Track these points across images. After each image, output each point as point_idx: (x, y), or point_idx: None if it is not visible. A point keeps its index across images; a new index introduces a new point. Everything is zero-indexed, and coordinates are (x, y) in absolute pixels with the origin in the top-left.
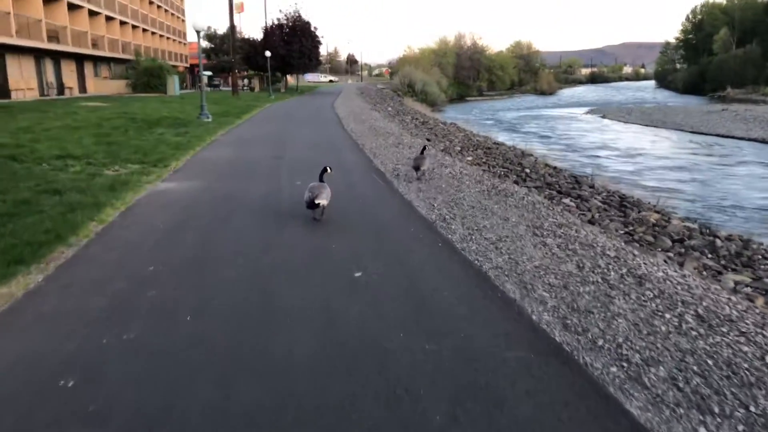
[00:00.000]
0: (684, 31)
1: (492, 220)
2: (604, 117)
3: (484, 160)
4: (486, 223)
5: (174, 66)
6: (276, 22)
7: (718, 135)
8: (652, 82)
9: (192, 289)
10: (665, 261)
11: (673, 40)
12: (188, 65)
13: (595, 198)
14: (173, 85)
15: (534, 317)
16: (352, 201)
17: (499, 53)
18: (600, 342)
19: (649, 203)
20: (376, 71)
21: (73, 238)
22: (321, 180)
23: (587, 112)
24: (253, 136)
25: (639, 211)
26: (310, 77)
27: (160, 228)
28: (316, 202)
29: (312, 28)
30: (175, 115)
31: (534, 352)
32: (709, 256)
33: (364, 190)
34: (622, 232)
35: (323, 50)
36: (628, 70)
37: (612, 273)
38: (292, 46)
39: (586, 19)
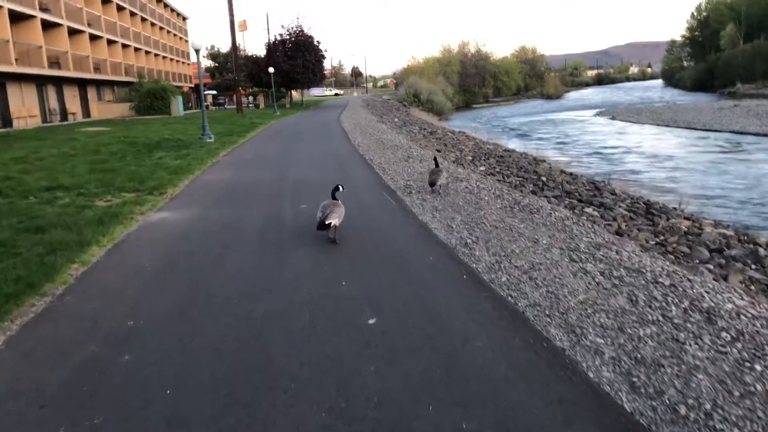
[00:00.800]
0: (690, 29)
1: (520, 242)
2: (613, 119)
3: (497, 170)
4: (514, 247)
5: (178, 86)
6: (279, 38)
7: (732, 132)
8: (659, 82)
9: (174, 353)
10: (728, 289)
11: (679, 38)
12: (193, 85)
13: (620, 206)
14: (177, 105)
15: (591, 374)
16: (363, 225)
17: (504, 59)
18: (682, 409)
19: (675, 209)
20: (381, 83)
21: (48, 286)
22: (334, 198)
23: (596, 114)
24: (256, 155)
25: (668, 218)
26: (315, 91)
27: (146, 270)
28: (327, 222)
29: (315, 42)
30: (176, 136)
31: (601, 428)
32: (753, 267)
33: (375, 212)
34: (653, 242)
35: (327, 64)
36: (634, 70)
37: (673, 308)
38: (296, 60)
39: (590, 21)
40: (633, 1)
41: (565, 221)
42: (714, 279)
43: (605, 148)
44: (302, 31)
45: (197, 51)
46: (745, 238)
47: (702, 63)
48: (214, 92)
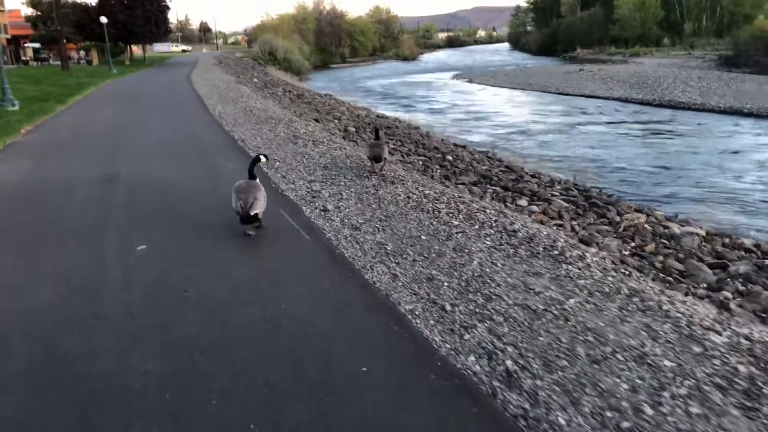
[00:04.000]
0: None
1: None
2: (471, 81)
3: (392, 146)
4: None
5: None
6: None
7: (583, 95)
8: (506, 45)
9: None
10: None
11: (524, 4)
12: (9, 36)
13: (552, 194)
14: None
15: None
16: (252, 301)
17: (359, 18)
18: None
19: (611, 196)
20: (232, 39)
21: None
22: (251, 176)
23: (454, 77)
24: (75, 132)
25: (618, 212)
26: (160, 47)
27: None
28: (253, 213)
29: None
30: None
31: None
32: None
33: (273, 258)
34: (627, 252)
35: (172, 17)
36: (482, 33)
37: None
38: (134, 11)
39: None
40: None
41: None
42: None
43: (475, 113)
44: None
45: None
46: (731, 241)
47: (545, 28)
48: (37, 45)
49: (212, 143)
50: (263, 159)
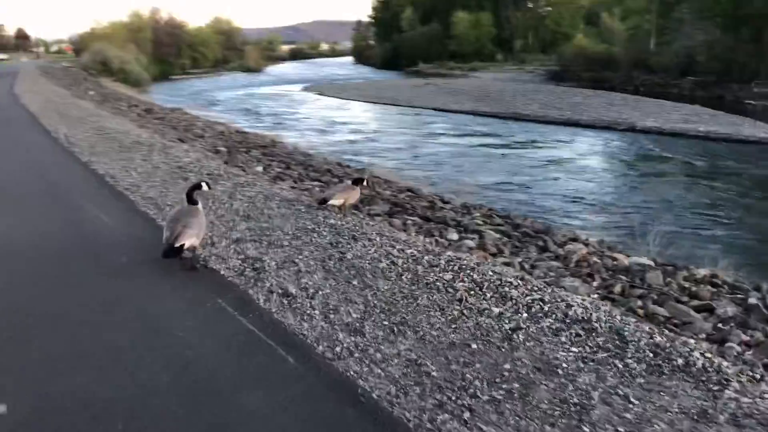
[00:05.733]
0: (375, 10)
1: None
2: (321, 94)
3: (277, 169)
4: None
5: None
6: None
7: (435, 109)
8: (349, 59)
9: None
10: None
11: (365, 18)
12: None
13: (480, 225)
14: None
15: None
16: None
17: (200, 29)
18: None
19: (543, 225)
20: (56, 47)
21: None
22: (191, 200)
23: (303, 90)
24: None
25: (554, 242)
26: None
27: None
28: (178, 245)
29: None
30: None
31: None
32: None
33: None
34: (596, 295)
35: None
36: (325, 47)
37: None
38: None
39: None
40: None
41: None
42: None
43: (335, 128)
44: None
45: None
46: (686, 274)
47: (388, 43)
48: None
49: (70, 183)
50: (205, 187)
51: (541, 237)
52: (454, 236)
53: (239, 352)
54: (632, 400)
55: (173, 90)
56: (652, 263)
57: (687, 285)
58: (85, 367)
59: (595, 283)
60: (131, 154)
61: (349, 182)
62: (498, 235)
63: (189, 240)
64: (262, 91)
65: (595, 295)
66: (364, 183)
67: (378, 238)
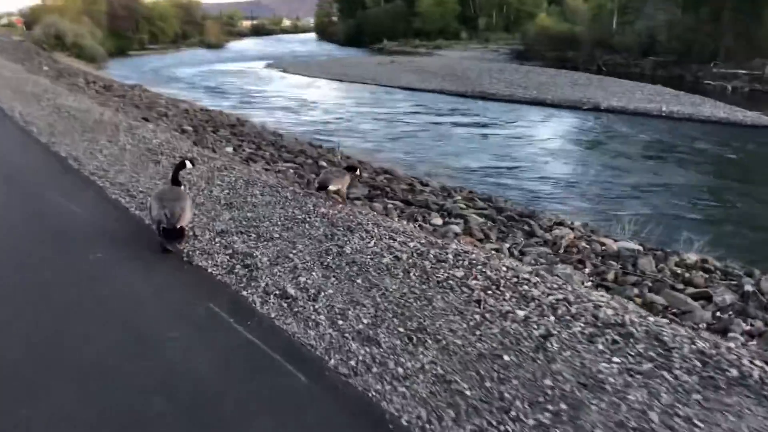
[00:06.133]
0: None
1: None
2: (286, 71)
3: (247, 150)
4: None
5: None
6: None
7: (401, 87)
8: (312, 35)
9: None
10: None
11: None
12: None
13: (463, 209)
14: None
15: None
16: None
17: (158, 2)
18: None
19: (527, 209)
20: (5, 21)
21: None
22: (175, 182)
23: (267, 67)
24: None
25: (540, 226)
26: None
27: None
28: (179, 226)
29: None
30: None
31: None
32: None
33: None
34: (589, 284)
35: None
36: (287, 23)
37: None
38: None
39: None
40: None
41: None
42: None
43: (302, 106)
44: None
45: None
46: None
47: (351, 19)
48: None
49: (30, 168)
50: (189, 165)
51: (525, 221)
52: (438, 221)
53: (241, 368)
54: (696, 422)
55: (132, 66)
56: (640, 248)
57: (680, 271)
58: (58, 391)
59: (587, 270)
60: (95, 134)
61: (342, 168)
62: (482, 220)
63: (186, 222)
64: (224, 67)
65: (589, 283)
66: (357, 172)
67: (375, 230)
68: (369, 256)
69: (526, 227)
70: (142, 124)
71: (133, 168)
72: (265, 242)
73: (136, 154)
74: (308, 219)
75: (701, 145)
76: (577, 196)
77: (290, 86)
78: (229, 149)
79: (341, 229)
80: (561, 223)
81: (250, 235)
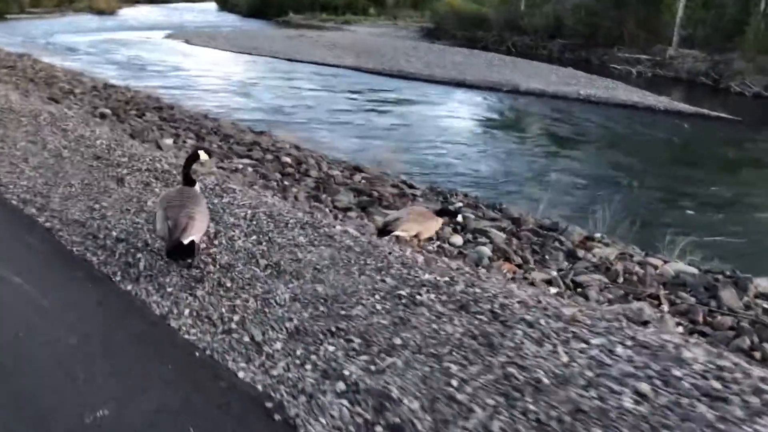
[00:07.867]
0: None
1: None
2: (189, 43)
3: (185, 140)
4: None
5: None
6: None
7: (314, 62)
8: (212, 5)
9: None
10: None
11: None
12: None
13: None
14: None
15: None
16: None
17: None
18: None
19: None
20: None
21: None
22: (187, 180)
23: (167, 37)
24: None
25: (583, 245)
26: None
27: None
28: (187, 241)
29: None
30: None
31: None
32: None
33: None
34: (681, 330)
35: None
36: None
37: None
38: None
39: None
40: None
41: None
42: None
43: (220, 83)
44: None
45: None
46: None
47: None
48: None
49: None
50: (204, 156)
51: (551, 236)
52: (458, 240)
53: None
54: None
55: (11, 31)
56: (695, 271)
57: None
58: None
59: (665, 308)
60: (6, 130)
61: (423, 207)
62: (504, 235)
63: (197, 235)
64: (120, 36)
65: (680, 329)
66: (458, 218)
67: (545, 321)
68: (563, 379)
69: (556, 243)
70: (58, 110)
71: (86, 189)
72: (383, 356)
73: (81, 165)
74: (426, 298)
75: (625, 129)
76: (520, 184)
77: (198, 60)
78: (169, 141)
79: (504, 318)
80: (591, 238)
81: (349, 339)
